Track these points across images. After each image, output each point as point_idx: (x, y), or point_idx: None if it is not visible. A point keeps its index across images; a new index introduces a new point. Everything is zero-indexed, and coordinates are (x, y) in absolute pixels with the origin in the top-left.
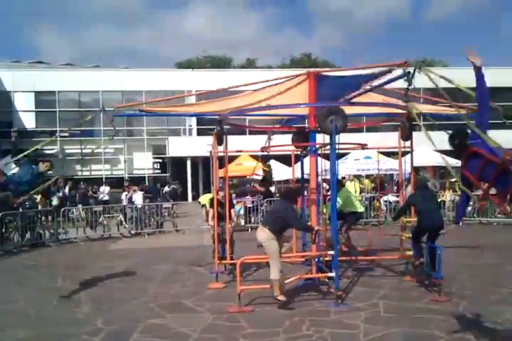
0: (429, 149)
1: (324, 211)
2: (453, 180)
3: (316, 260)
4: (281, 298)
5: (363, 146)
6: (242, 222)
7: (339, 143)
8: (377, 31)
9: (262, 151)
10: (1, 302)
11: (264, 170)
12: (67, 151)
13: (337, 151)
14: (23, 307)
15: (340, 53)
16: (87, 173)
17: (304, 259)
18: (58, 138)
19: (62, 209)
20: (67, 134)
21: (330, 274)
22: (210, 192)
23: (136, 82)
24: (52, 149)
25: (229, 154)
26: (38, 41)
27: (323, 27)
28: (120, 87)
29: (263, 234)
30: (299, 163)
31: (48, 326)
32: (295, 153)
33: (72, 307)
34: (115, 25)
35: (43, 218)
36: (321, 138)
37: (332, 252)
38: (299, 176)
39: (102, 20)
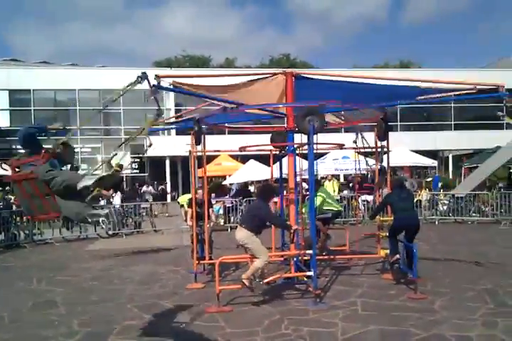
0: (406, 149)
1: (303, 210)
2: (429, 179)
3: (295, 259)
4: (246, 282)
5: (341, 146)
6: (222, 222)
7: (317, 143)
8: (357, 32)
9: (241, 151)
10: None
11: None
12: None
13: (315, 151)
14: None
15: (319, 54)
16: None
17: (282, 258)
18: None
19: None
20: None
21: (308, 273)
22: (189, 192)
23: (114, 81)
24: None
25: (208, 154)
26: (12, 39)
27: (303, 27)
28: (97, 85)
29: (241, 234)
30: (278, 163)
31: (24, 328)
32: (273, 152)
33: (47, 309)
34: (93, 24)
35: (18, 218)
36: (299, 138)
37: (310, 251)
38: (278, 176)
39: (79, 18)
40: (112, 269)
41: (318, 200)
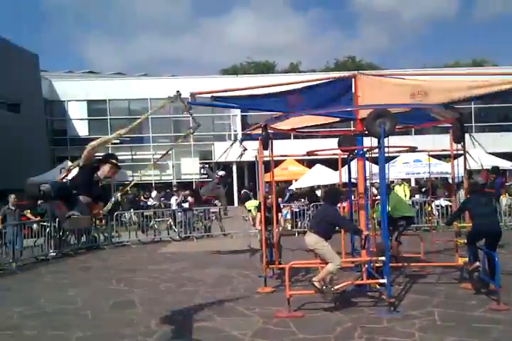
0: (482, 152)
1: (374, 216)
2: (508, 183)
3: (367, 266)
4: (318, 284)
5: (413, 149)
6: (289, 227)
7: (388, 147)
8: (424, 31)
9: (309, 155)
10: (60, 303)
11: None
12: (119, 158)
13: (386, 155)
14: (81, 307)
15: (386, 55)
16: (137, 178)
17: (353, 265)
18: (110, 145)
19: (115, 214)
20: (118, 141)
21: (381, 280)
22: (256, 197)
23: (182, 89)
24: None
25: (275, 159)
26: (88, 52)
27: (369, 28)
28: (167, 94)
29: (310, 239)
30: (346, 167)
31: (104, 326)
32: (342, 157)
33: (126, 309)
34: (161, 35)
35: (97, 222)
36: (368, 142)
37: (383, 258)
38: (346, 180)
39: (148, 30)
40: (184, 271)
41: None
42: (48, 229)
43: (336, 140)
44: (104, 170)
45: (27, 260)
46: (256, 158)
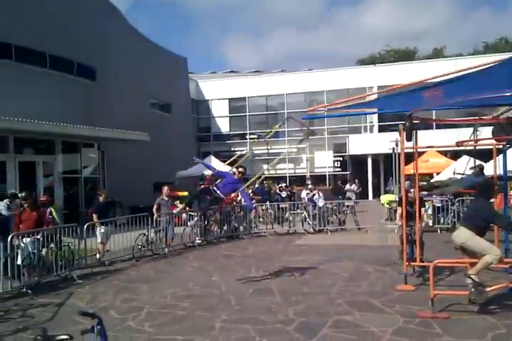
0: None
1: None
2: None
3: None
4: (475, 277)
5: None
6: (430, 223)
7: None
8: None
9: (458, 146)
10: (206, 287)
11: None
12: (256, 152)
13: None
14: (225, 292)
15: None
16: (273, 172)
17: (507, 266)
18: (248, 140)
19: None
20: (255, 136)
21: None
22: (388, 192)
23: (318, 83)
24: (243, 150)
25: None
26: (228, 53)
27: None
28: (303, 88)
29: (461, 233)
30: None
31: (246, 312)
32: (497, 147)
33: (265, 296)
34: (297, 28)
35: (236, 213)
36: None
37: None
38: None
39: (284, 25)
40: (320, 264)
41: None
42: (195, 218)
43: (489, 129)
44: None
45: (177, 246)
46: (394, 149)
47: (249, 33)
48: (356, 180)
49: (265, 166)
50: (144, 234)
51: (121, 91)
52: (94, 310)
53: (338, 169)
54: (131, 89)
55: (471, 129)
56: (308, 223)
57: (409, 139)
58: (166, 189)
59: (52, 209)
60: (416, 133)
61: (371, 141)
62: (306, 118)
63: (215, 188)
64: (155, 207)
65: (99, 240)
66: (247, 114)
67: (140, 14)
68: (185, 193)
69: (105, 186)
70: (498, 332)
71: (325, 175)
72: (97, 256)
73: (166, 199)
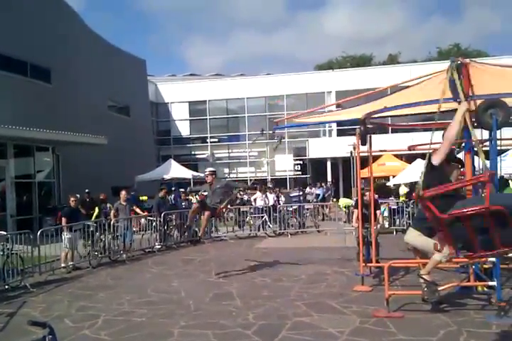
0: None
1: None
2: None
3: (474, 267)
4: (427, 277)
5: None
6: (386, 224)
7: (501, 139)
8: None
9: (410, 150)
10: (165, 292)
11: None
12: (216, 155)
13: (498, 148)
14: (184, 298)
15: (497, 41)
16: (234, 175)
17: (459, 265)
18: (209, 144)
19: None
20: (216, 139)
21: (491, 283)
22: (348, 197)
23: (278, 87)
24: (204, 154)
25: (372, 154)
26: (188, 55)
27: (476, 12)
28: (263, 92)
29: (409, 234)
30: None
31: (205, 317)
32: None
33: (225, 301)
34: (256, 33)
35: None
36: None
37: (493, 259)
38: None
39: (243, 28)
40: (280, 267)
41: None
42: (153, 224)
43: (440, 133)
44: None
45: (136, 252)
46: (352, 153)
47: (210, 36)
48: (327, 184)
49: (226, 170)
50: (101, 240)
51: (77, 93)
52: (48, 319)
53: (298, 172)
54: (88, 91)
55: (426, 133)
56: (269, 226)
57: (363, 143)
58: (123, 193)
59: None
60: (370, 137)
61: (330, 145)
62: (276, 128)
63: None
64: (112, 212)
65: (63, 246)
66: (208, 117)
67: (97, 15)
68: (145, 197)
69: (60, 191)
70: (450, 329)
71: (285, 179)
72: (62, 263)
73: (124, 203)
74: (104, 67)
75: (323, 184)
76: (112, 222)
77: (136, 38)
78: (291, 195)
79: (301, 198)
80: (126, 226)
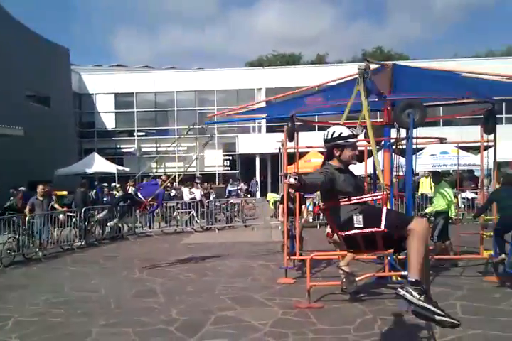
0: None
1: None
2: None
3: (389, 258)
4: (346, 268)
5: (442, 140)
6: (311, 219)
7: (417, 138)
8: (457, 19)
9: None
10: (84, 291)
11: None
12: (143, 150)
13: (413, 146)
14: (104, 296)
15: (417, 45)
16: (162, 170)
17: (376, 257)
18: (136, 138)
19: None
20: (143, 133)
21: (403, 273)
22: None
23: (208, 82)
24: (130, 148)
25: (299, 150)
26: (117, 46)
27: (399, 18)
28: (193, 87)
29: (329, 228)
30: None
31: (128, 314)
32: (368, 148)
33: (148, 297)
34: (187, 26)
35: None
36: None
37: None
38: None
39: (175, 22)
40: (205, 262)
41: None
42: (73, 220)
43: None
44: None
45: (53, 249)
46: (280, 149)
47: (140, 27)
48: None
49: (154, 164)
50: (15, 238)
51: None
52: None
53: (227, 168)
54: (3, 79)
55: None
56: (196, 221)
57: (291, 139)
58: (40, 187)
59: None
60: (297, 134)
61: (259, 141)
62: (207, 123)
63: (137, 193)
64: (28, 207)
65: None
66: (135, 110)
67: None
68: (64, 192)
69: None
70: (366, 317)
71: (215, 174)
72: None
73: (41, 199)
74: (21, 54)
75: (235, 182)
76: (27, 218)
77: (60, 26)
78: (229, 190)
79: (239, 192)
80: (43, 223)
